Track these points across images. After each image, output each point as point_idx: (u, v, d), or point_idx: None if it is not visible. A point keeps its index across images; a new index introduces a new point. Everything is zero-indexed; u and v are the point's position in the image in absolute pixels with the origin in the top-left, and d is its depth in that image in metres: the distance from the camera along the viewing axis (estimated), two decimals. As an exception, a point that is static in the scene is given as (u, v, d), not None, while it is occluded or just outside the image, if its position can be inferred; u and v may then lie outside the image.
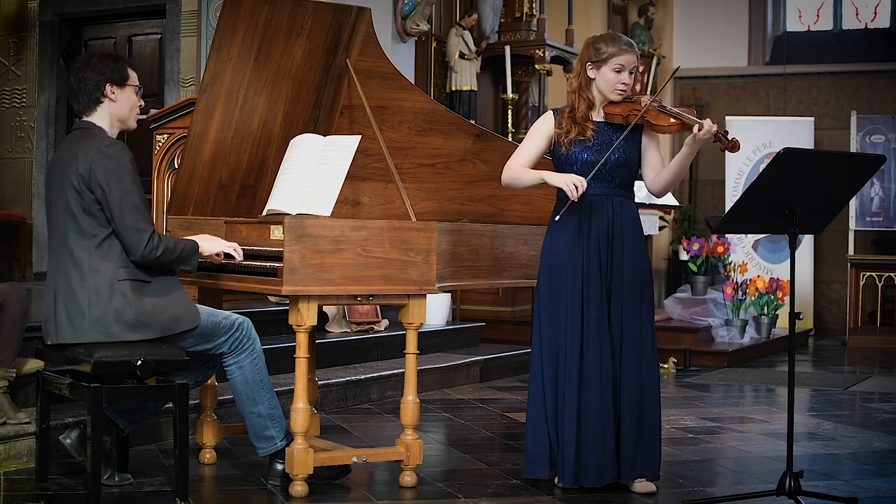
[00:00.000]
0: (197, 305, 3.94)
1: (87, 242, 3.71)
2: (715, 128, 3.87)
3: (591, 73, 4.04)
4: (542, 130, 4.12)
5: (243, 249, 4.04)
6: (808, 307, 11.30)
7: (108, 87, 3.83)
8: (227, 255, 4.00)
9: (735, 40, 12.78)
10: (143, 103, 4.04)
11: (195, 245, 3.89)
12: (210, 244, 3.98)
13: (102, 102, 3.85)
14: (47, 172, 3.98)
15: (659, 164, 4.10)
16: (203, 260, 3.98)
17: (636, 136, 4.07)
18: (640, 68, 11.23)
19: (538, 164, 4.14)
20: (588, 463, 3.95)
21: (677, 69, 4.60)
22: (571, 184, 3.87)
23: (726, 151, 3.97)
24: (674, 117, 3.96)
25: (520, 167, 4.10)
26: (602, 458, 3.95)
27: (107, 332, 3.68)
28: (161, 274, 3.81)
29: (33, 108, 9.16)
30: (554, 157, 4.12)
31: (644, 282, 4.06)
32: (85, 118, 3.86)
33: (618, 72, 3.99)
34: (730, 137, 3.92)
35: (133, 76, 3.91)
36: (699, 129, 3.86)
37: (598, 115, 4.07)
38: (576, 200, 3.89)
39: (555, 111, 4.14)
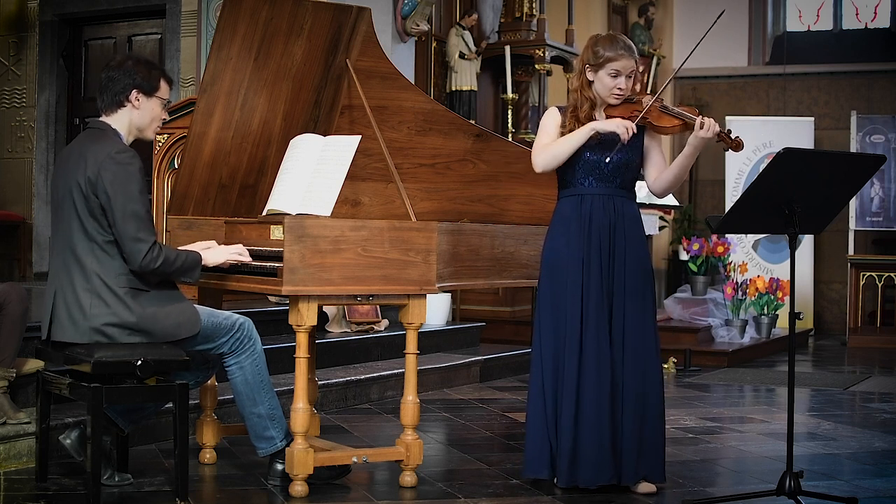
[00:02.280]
0: (197, 306, 3.93)
1: (91, 245, 3.70)
2: (717, 126, 3.88)
3: (589, 76, 4.04)
4: (553, 123, 4.09)
5: (243, 249, 4.04)
6: (808, 307, 11.30)
7: (134, 92, 3.81)
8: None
9: (735, 40, 12.77)
10: (167, 117, 4.01)
11: (198, 257, 3.84)
12: (214, 255, 3.93)
13: (125, 107, 3.82)
14: (55, 168, 3.96)
15: (662, 165, 4.10)
16: (209, 269, 3.95)
17: (638, 137, 4.06)
18: (641, 68, 11.23)
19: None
20: (584, 463, 3.94)
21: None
22: (623, 127, 3.91)
23: (730, 151, 3.97)
24: (676, 117, 3.96)
25: (549, 145, 4.05)
26: (598, 458, 3.94)
27: (106, 335, 3.68)
28: (160, 280, 3.79)
29: (33, 108, 9.16)
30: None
31: (647, 281, 4.05)
32: (103, 117, 3.85)
33: (614, 76, 3.99)
34: (733, 136, 3.92)
35: (164, 88, 3.87)
36: (701, 127, 3.87)
37: (600, 115, 4.07)
38: (625, 143, 3.92)
39: (559, 109, 4.13)
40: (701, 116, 3.92)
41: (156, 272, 3.72)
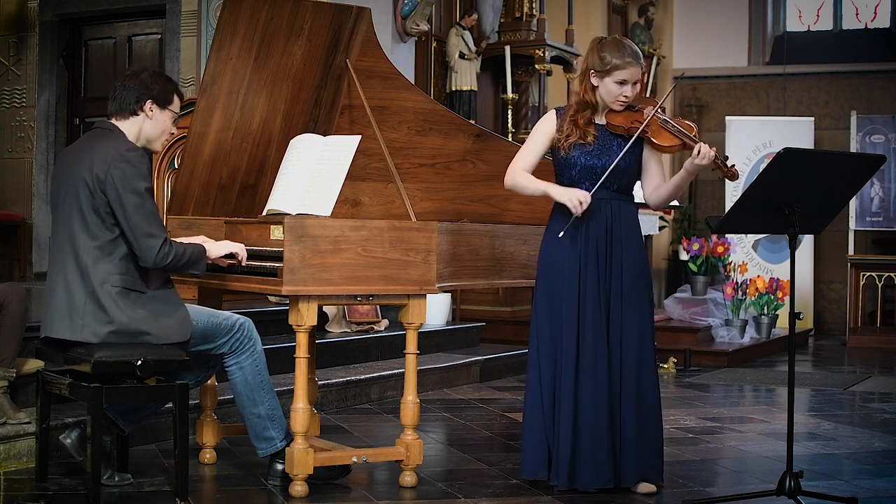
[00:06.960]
0: (197, 307, 3.94)
1: (91, 242, 3.70)
2: (713, 153, 3.86)
3: (593, 81, 4.00)
4: (543, 132, 4.09)
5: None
6: (808, 307, 11.30)
7: (148, 103, 3.84)
8: (230, 255, 3.98)
9: (735, 40, 12.78)
10: (175, 131, 4.03)
11: (202, 249, 3.85)
12: (216, 247, 3.94)
13: (138, 115, 3.85)
14: (56, 165, 3.96)
15: (659, 178, 4.07)
16: (210, 263, 3.96)
17: (638, 145, 4.03)
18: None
19: (540, 166, 4.13)
20: (582, 465, 3.93)
21: (680, 77, 4.56)
22: (576, 200, 3.87)
23: (726, 179, 3.97)
24: (676, 136, 3.93)
25: (523, 174, 4.07)
26: (596, 461, 3.93)
27: (97, 334, 3.67)
28: (158, 285, 3.80)
29: (33, 108, 9.16)
30: (554, 159, 4.12)
31: (643, 284, 4.04)
32: (114, 121, 3.86)
33: (620, 84, 3.95)
34: (729, 165, 3.91)
35: (176, 103, 3.92)
36: (698, 153, 3.85)
37: (600, 119, 4.05)
38: (580, 216, 3.90)
39: (558, 110, 4.11)
40: (700, 143, 3.88)
41: (167, 267, 3.73)
